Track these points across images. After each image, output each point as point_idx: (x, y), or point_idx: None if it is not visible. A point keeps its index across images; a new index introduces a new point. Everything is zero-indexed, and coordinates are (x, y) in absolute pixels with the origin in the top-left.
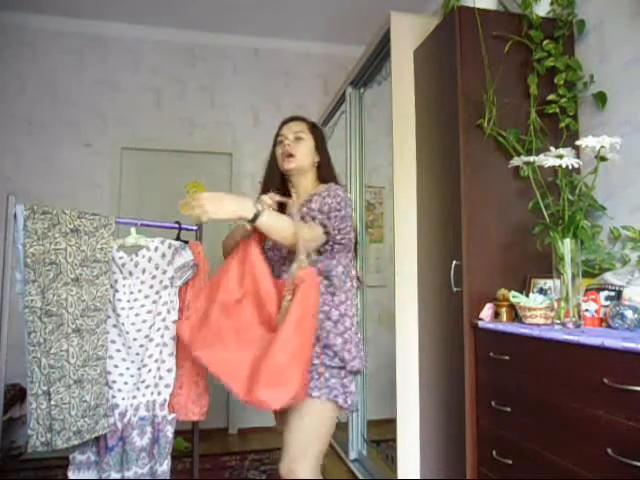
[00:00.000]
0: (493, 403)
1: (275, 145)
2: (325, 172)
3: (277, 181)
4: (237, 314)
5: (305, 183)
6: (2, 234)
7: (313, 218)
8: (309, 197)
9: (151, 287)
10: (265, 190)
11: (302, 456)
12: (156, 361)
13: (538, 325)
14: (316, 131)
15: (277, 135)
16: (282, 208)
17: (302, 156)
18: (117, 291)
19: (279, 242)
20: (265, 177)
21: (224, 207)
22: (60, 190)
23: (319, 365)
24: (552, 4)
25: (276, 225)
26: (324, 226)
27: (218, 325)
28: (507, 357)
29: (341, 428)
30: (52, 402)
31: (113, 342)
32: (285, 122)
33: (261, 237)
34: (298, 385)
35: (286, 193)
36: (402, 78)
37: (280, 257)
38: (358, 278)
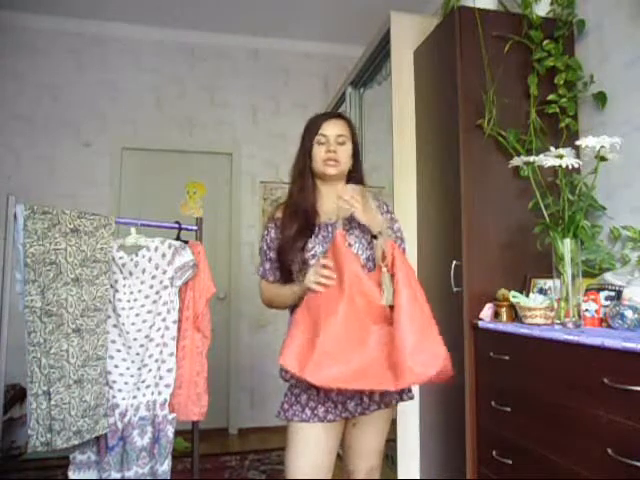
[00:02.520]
0: (493, 403)
1: (311, 142)
2: (355, 178)
3: (312, 184)
4: (348, 320)
5: (334, 190)
6: (2, 234)
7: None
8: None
9: (151, 287)
10: (301, 197)
11: (381, 454)
12: (156, 361)
13: (538, 325)
14: (354, 137)
15: (315, 132)
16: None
17: (344, 162)
18: (117, 291)
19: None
20: (296, 177)
21: (377, 217)
22: (60, 190)
23: None
24: (552, 4)
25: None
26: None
27: (332, 341)
28: (507, 357)
29: None
30: (52, 402)
31: (113, 342)
32: (325, 119)
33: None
34: (444, 351)
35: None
36: (402, 78)
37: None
38: None
